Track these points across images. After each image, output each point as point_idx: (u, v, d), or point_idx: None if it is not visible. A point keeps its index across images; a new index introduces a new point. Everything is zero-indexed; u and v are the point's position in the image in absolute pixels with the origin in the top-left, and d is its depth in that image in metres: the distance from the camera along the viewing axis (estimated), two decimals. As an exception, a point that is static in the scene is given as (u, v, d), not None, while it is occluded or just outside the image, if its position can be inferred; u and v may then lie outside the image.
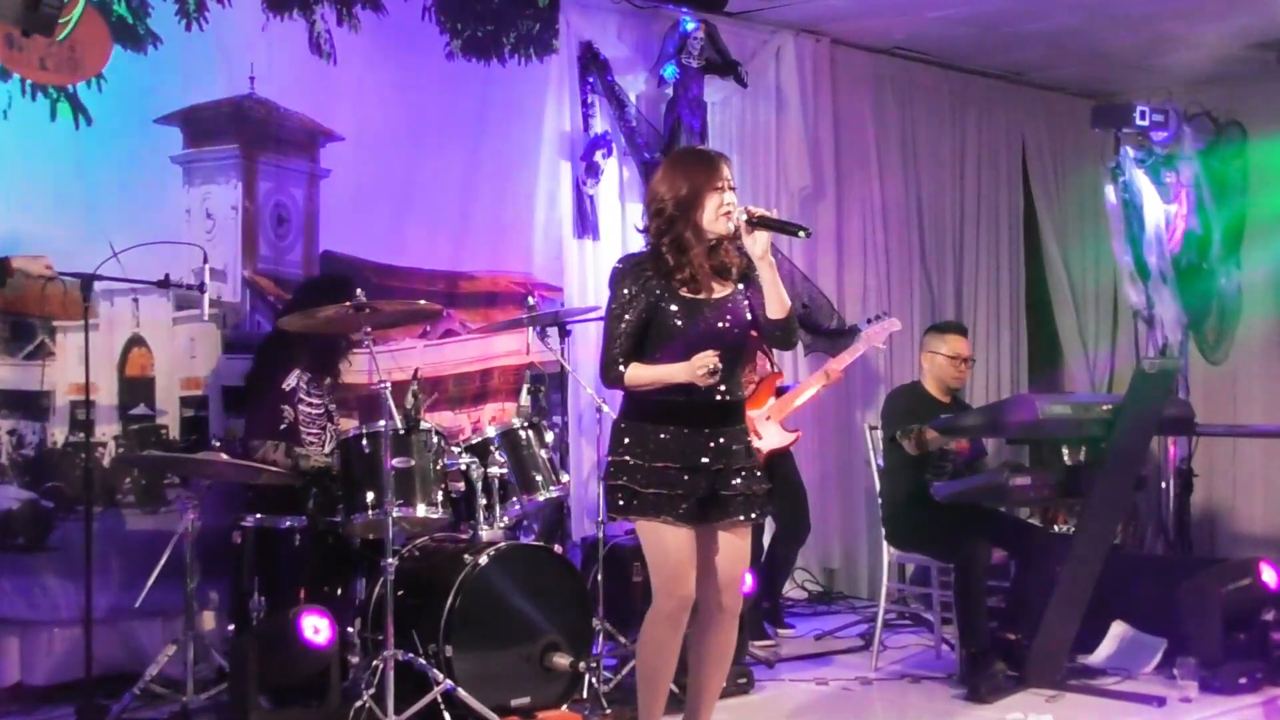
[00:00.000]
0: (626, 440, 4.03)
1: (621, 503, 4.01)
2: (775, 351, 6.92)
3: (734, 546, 4.09)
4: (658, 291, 3.99)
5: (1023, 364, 9.13)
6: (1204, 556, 7.67)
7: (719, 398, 4.01)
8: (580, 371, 6.13)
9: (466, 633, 4.78)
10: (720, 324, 4.01)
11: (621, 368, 3.99)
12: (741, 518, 4.05)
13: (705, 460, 4.00)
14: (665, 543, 3.99)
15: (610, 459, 4.07)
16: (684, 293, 4.00)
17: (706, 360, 3.88)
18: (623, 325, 3.99)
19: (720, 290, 4.05)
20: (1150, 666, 5.72)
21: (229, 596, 5.28)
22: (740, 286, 4.09)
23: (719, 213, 3.97)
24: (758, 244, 3.94)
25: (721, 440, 4.02)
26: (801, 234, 4.02)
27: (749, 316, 4.08)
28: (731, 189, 4.00)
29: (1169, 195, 7.66)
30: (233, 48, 5.74)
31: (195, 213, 5.68)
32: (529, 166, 6.72)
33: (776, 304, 4.01)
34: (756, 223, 3.95)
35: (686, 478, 3.98)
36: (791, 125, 7.68)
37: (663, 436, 3.99)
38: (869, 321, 6.67)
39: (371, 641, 4.93)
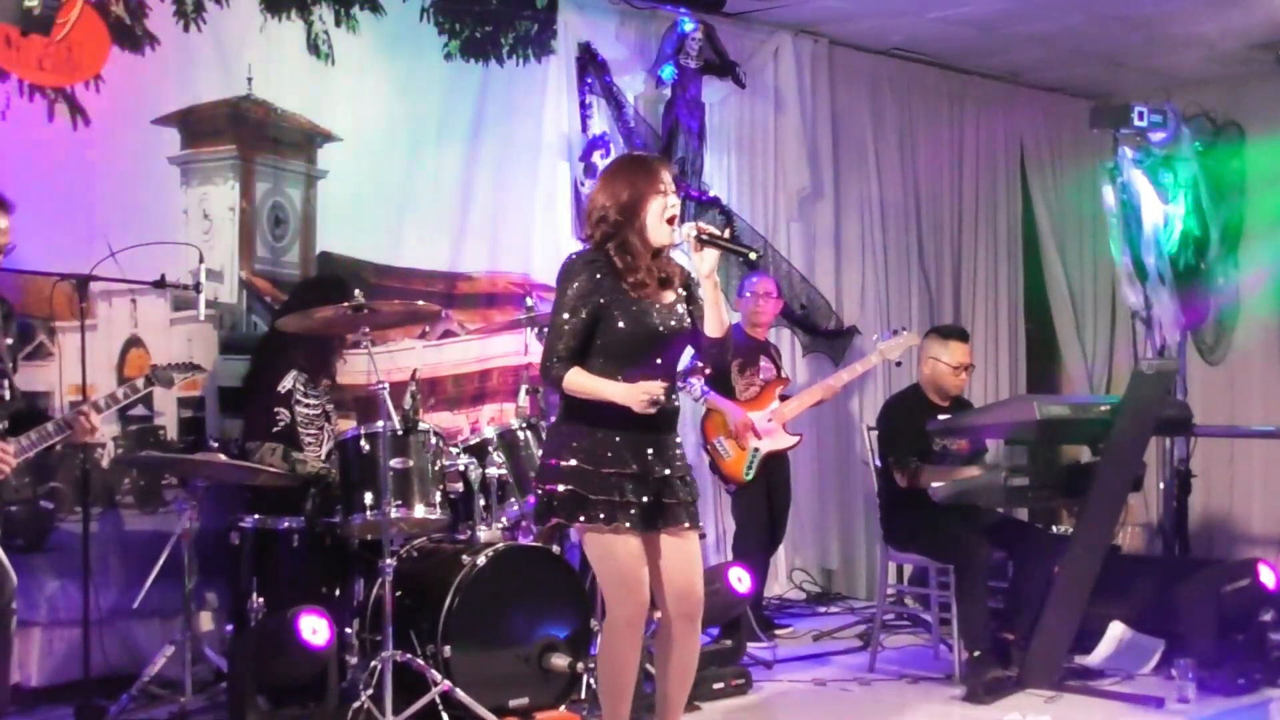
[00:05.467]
0: (573, 444, 3.93)
1: (566, 510, 3.90)
2: (782, 356, 6.92)
3: (685, 554, 4.01)
4: (608, 287, 3.92)
5: (1021, 365, 9.13)
6: (1202, 557, 7.67)
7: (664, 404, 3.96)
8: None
9: (465, 633, 4.78)
10: (665, 330, 3.97)
11: (563, 367, 3.90)
12: (687, 525, 3.99)
13: (652, 467, 3.94)
14: (616, 552, 3.90)
15: (555, 463, 3.94)
16: (633, 295, 3.94)
17: (652, 389, 3.82)
18: (570, 323, 3.90)
19: (666, 297, 4.01)
20: (1148, 667, 5.72)
21: (227, 597, 5.29)
22: (683, 294, 4.05)
23: (662, 217, 3.92)
24: (705, 262, 3.91)
25: (664, 447, 3.98)
26: (753, 255, 4.01)
27: (687, 326, 4.03)
28: (672, 193, 3.95)
29: (1167, 196, 7.66)
30: (230, 48, 5.74)
31: (193, 213, 5.68)
32: (527, 167, 6.71)
33: (715, 323, 3.99)
34: (706, 240, 3.91)
35: (633, 484, 3.91)
36: (790, 126, 7.70)
37: (612, 442, 3.91)
38: (891, 334, 6.60)
39: (370, 642, 4.93)
